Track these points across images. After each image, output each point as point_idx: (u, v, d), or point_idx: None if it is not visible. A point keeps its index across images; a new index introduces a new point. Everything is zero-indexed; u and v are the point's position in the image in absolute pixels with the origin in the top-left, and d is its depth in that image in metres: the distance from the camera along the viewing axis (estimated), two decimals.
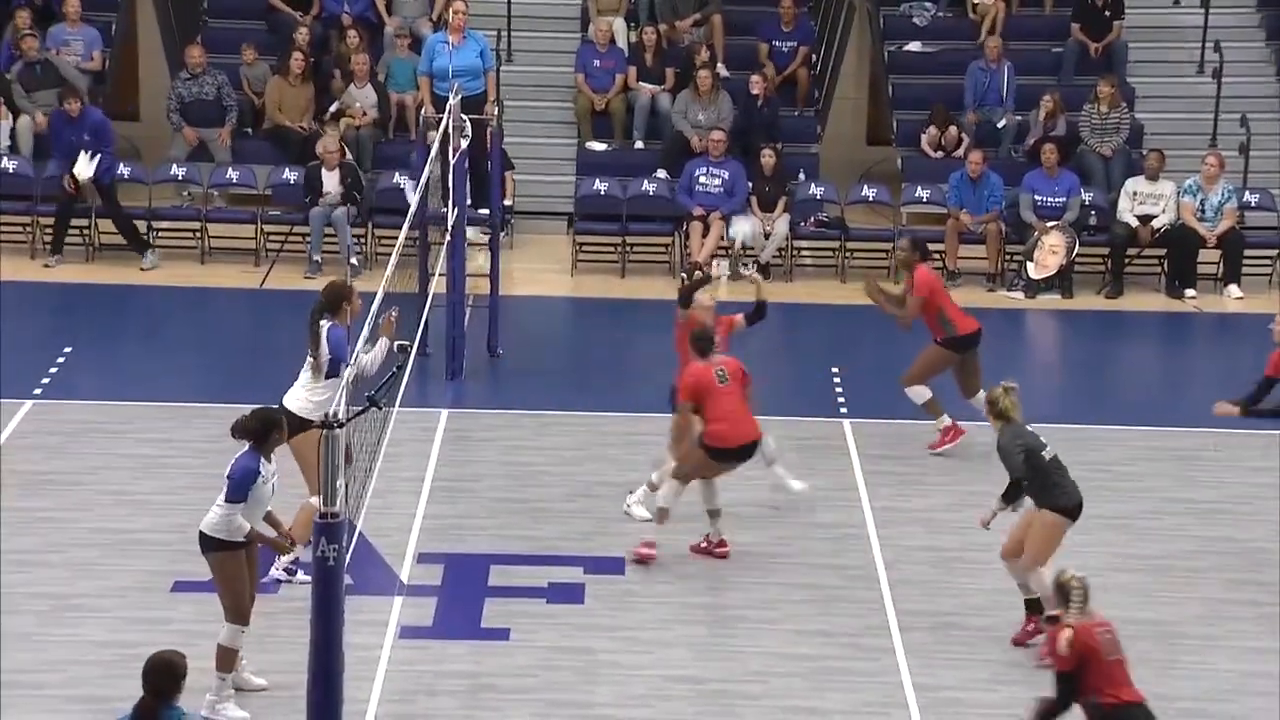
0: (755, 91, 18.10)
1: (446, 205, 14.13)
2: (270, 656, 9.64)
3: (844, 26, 19.40)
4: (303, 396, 10.59)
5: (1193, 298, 17.15)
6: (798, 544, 11.56)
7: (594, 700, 9.66)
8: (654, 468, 11.63)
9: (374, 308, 9.77)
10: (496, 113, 16.21)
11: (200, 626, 9.91)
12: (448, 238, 14.12)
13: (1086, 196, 17.59)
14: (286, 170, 17.59)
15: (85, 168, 16.75)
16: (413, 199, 12.36)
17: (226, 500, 9.16)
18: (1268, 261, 17.67)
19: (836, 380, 14.31)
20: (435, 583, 10.90)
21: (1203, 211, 17.41)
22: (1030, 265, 17.19)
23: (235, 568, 9.20)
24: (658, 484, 11.41)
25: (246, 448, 9.23)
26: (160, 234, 17.38)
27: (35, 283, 16.60)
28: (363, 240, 17.22)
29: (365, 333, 9.64)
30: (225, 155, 17.94)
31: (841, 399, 13.97)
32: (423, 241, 14.55)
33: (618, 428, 13.24)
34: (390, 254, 11.32)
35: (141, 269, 16.82)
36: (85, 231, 17.22)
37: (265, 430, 9.21)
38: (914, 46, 19.45)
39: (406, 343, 10.38)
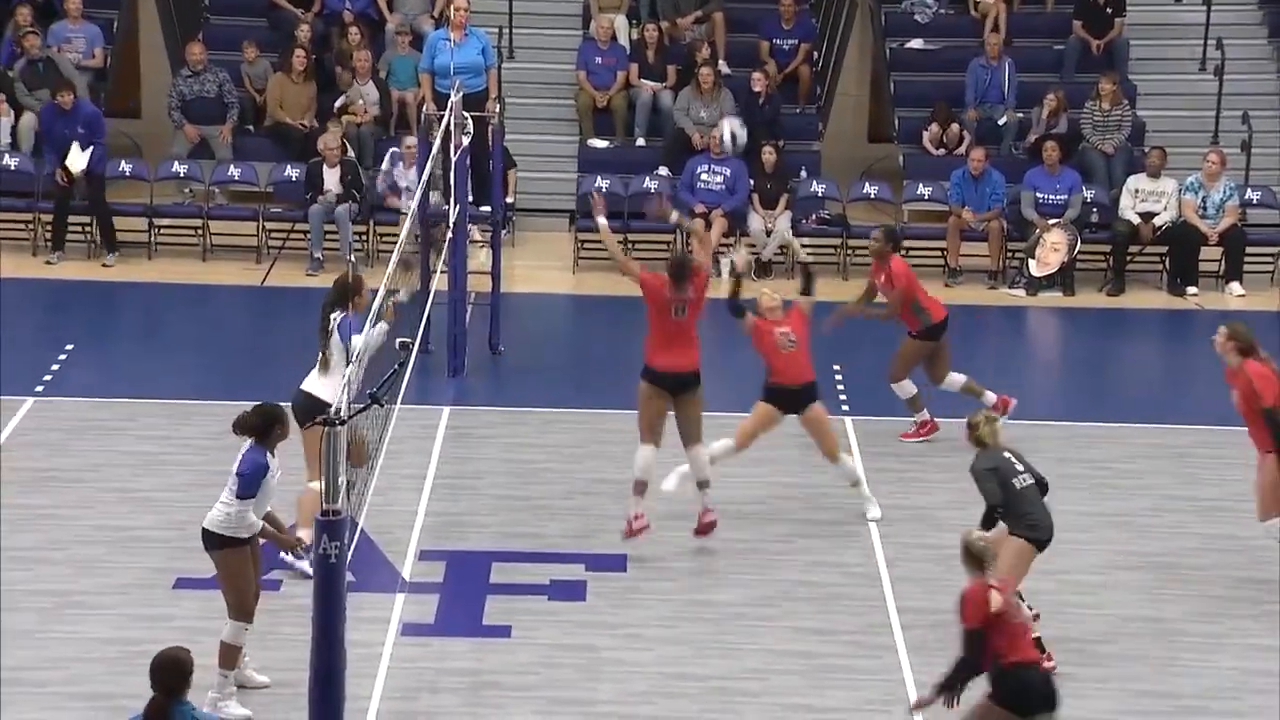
0: (757, 89, 18.10)
1: (448, 202, 14.13)
2: (272, 654, 9.64)
3: (846, 23, 19.40)
4: (326, 378, 10.64)
5: (1194, 295, 17.15)
6: (799, 541, 11.56)
7: (596, 697, 9.67)
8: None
9: (380, 289, 9.89)
10: (498, 110, 16.19)
11: (202, 623, 9.92)
12: (449, 235, 14.12)
13: (1088, 194, 17.59)
14: (288, 167, 17.59)
15: (78, 159, 16.75)
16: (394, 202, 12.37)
17: (238, 496, 9.18)
18: (1269, 259, 17.67)
19: (838, 378, 14.31)
20: (437, 580, 10.90)
21: (1204, 209, 17.41)
22: (1032, 263, 17.19)
23: (240, 564, 9.21)
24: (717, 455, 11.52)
25: (250, 444, 9.23)
26: (162, 231, 17.39)
27: (37, 280, 16.60)
28: (364, 237, 17.22)
29: (371, 315, 9.69)
30: (226, 152, 17.95)
31: (843, 396, 13.97)
32: (424, 239, 14.55)
33: (619, 425, 13.22)
34: (391, 251, 11.33)
35: (104, 265, 16.81)
36: (87, 229, 17.22)
37: (267, 426, 9.25)
38: (916, 44, 19.45)
39: (408, 340, 10.39)
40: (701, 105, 18.03)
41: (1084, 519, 11.93)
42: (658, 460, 11.23)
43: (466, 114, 14.24)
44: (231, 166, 17.76)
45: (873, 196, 18.09)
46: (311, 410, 10.19)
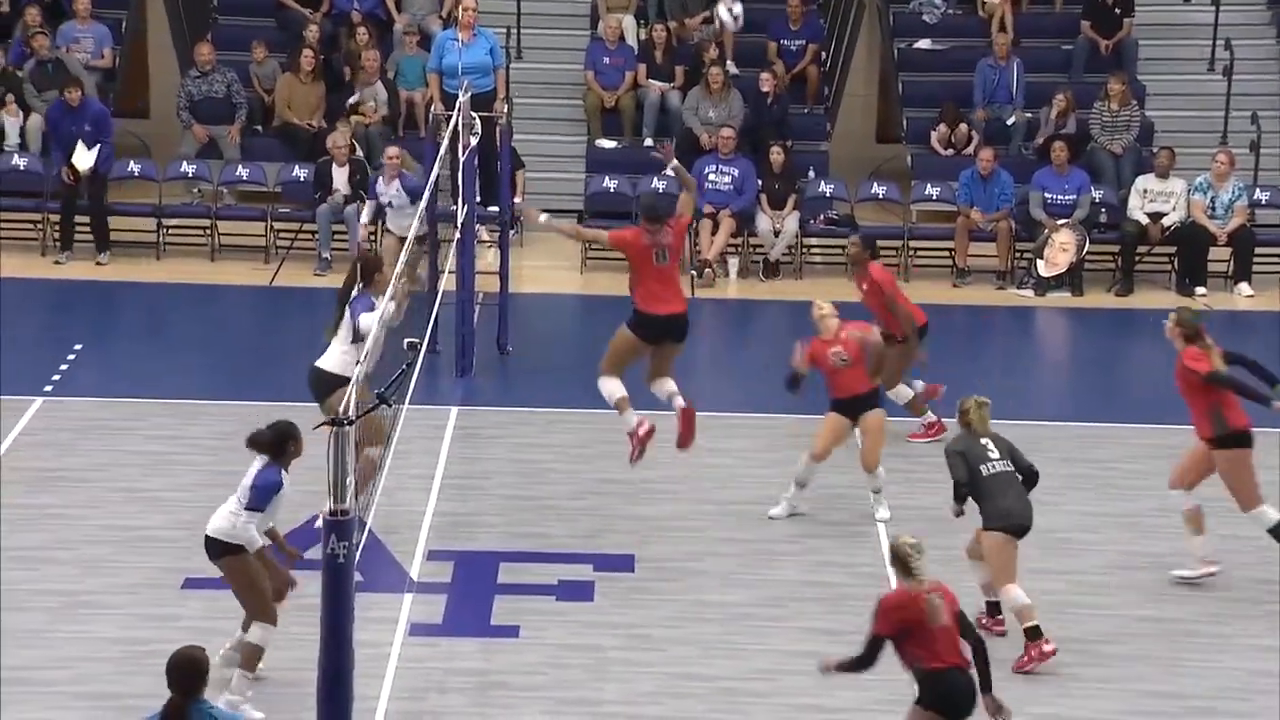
0: (765, 89, 18.10)
1: (456, 202, 14.13)
2: (280, 653, 9.64)
3: (854, 24, 19.39)
4: (337, 353, 10.87)
5: (1203, 295, 17.12)
6: (807, 542, 11.55)
7: (603, 698, 9.66)
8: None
9: (397, 271, 10.18)
10: (506, 110, 16.20)
11: (210, 623, 9.93)
12: (457, 235, 14.12)
13: (1097, 194, 17.58)
14: (296, 168, 17.60)
15: (84, 158, 16.77)
16: (365, 218, 12.40)
17: (247, 508, 9.20)
18: (1278, 259, 17.64)
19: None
20: (445, 580, 10.91)
21: (1213, 209, 17.39)
22: (1040, 263, 17.17)
23: (248, 566, 9.22)
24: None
25: (266, 462, 9.25)
26: (170, 231, 17.41)
27: (46, 279, 16.62)
28: (373, 237, 17.23)
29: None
30: (235, 153, 17.96)
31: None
32: (432, 239, 14.56)
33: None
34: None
35: (97, 263, 16.82)
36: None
37: (281, 442, 9.29)
38: (924, 44, 19.44)
39: (416, 340, 10.39)
40: (710, 105, 18.03)
41: (1091, 519, 11.91)
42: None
43: (474, 114, 14.24)
44: (240, 167, 17.78)
45: (881, 197, 18.08)
46: (321, 384, 10.49)
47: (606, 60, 18.63)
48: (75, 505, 11.68)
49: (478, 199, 14.68)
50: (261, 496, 9.20)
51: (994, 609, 10.42)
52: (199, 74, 18.06)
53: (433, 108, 16.86)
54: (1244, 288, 17.24)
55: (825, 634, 10.41)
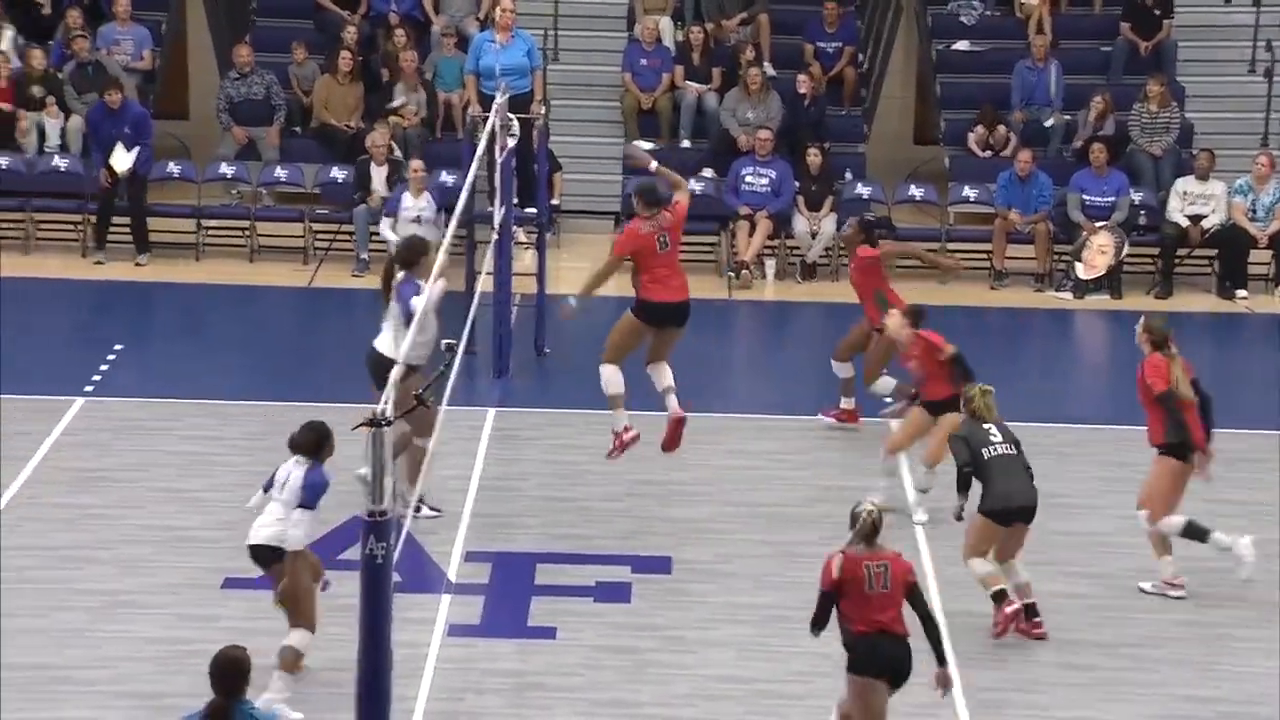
0: (802, 91, 18.08)
1: (493, 204, 14.16)
2: (319, 654, 9.68)
3: (891, 25, 19.36)
4: (391, 336, 11.06)
5: (1244, 298, 17.04)
6: (833, 545, 11.49)
7: (639, 699, 9.68)
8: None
9: (439, 256, 10.40)
10: (543, 112, 16.21)
11: (250, 624, 9.98)
12: (494, 237, 14.15)
13: (1136, 196, 17.51)
14: (334, 169, 17.66)
15: (123, 160, 16.86)
16: (390, 236, 12.58)
17: (300, 506, 9.26)
18: None
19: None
20: (483, 581, 10.93)
21: (1254, 211, 17.30)
22: (1079, 265, 17.12)
23: (303, 570, 9.31)
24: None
25: (311, 463, 9.33)
26: (209, 232, 17.49)
27: (85, 280, 16.72)
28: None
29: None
30: (273, 154, 18.04)
31: (888, 399, 13.92)
32: (470, 240, 14.59)
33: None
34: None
35: (136, 264, 16.90)
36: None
37: (320, 442, 9.39)
38: (961, 45, 19.39)
39: (453, 342, 10.42)
40: (749, 107, 18.03)
41: (1130, 523, 11.84)
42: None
43: (512, 116, 14.27)
44: (278, 168, 17.85)
45: (918, 199, 18.05)
46: (379, 367, 10.65)
47: (644, 62, 18.64)
48: (115, 505, 11.74)
49: (515, 201, 14.70)
50: (315, 495, 9.31)
51: (1031, 611, 10.40)
52: (238, 75, 18.14)
53: (470, 109, 16.90)
54: None
55: None
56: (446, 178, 17.18)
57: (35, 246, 17.32)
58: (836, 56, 18.99)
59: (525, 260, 15.59)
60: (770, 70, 18.59)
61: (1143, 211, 17.55)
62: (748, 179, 17.48)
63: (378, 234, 16.94)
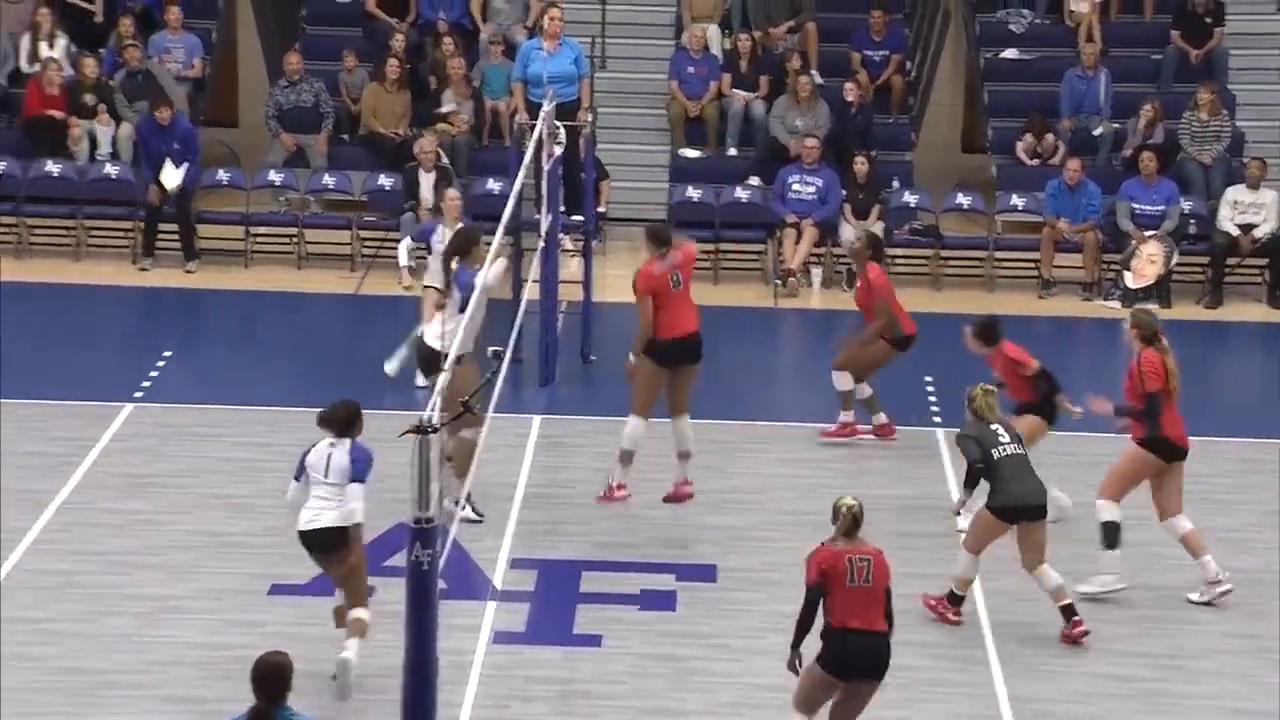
0: (849, 98, 18.05)
1: (540, 212, 14.19)
2: (365, 661, 9.70)
3: (939, 33, 19.30)
4: (436, 328, 11.45)
5: None
6: (889, 554, 11.46)
7: (684, 708, 9.66)
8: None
9: (495, 240, 10.86)
10: (590, 119, 16.23)
11: (295, 629, 10.02)
12: (541, 244, 14.17)
13: (1186, 205, 17.40)
14: (382, 176, 17.73)
15: (172, 177, 17.00)
16: (404, 260, 12.75)
17: (356, 480, 9.47)
18: None
19: (930, 390, 14.23)
20: (528, 588, 10.95)
21: None
22: (1128, 275, 17.02)
23: (360, 549, 9.48)
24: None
25: (348, 441, 9.52)
26: (257, 239, 17.58)
27: (136, 286, 16.83)
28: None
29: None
30: (322, 161, 18.12)
31: (935, 408, 13.88)
32: (516, 248, 14.61)
33: (709, 435, 13.21)
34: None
35: (186, 271, 17.01)
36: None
37: (350, 419, 9.60)
38: (1010, 53, 19.31)
39: (500, 349, 10.45)
40: (798, 114, 18.01)
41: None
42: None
43: (559, 123, 14.28)
44: (326, 175, 17.93)
45: (965, 207, 17.99)
46: (429, 358, 11.06)
47: (691, 70, 18.64)
48: (164, 511, 11.81)
49: (562, 208, 14.72)
50: (366, 468, 9.50)
51: (1070, 611, 10.33)
52: (287, 83, 18.24)
53: (517, 117, 16.93)
54: None
55: (908, 646, 10.35)
56: (493, 185, 17.22)
57: (86, 253, 17.45)
58: (884, 64, 18.95)
59: (571, 268, 15.61)
60: (817, 78, 18.57)
61: (1192, 220, 17.44)
62: (794, 187, 17.45)
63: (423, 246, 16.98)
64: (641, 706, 9.67)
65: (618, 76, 19.17)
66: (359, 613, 9.55)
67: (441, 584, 8.24)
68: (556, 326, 14.48)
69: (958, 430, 10.55)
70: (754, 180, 17.97)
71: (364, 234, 17.54)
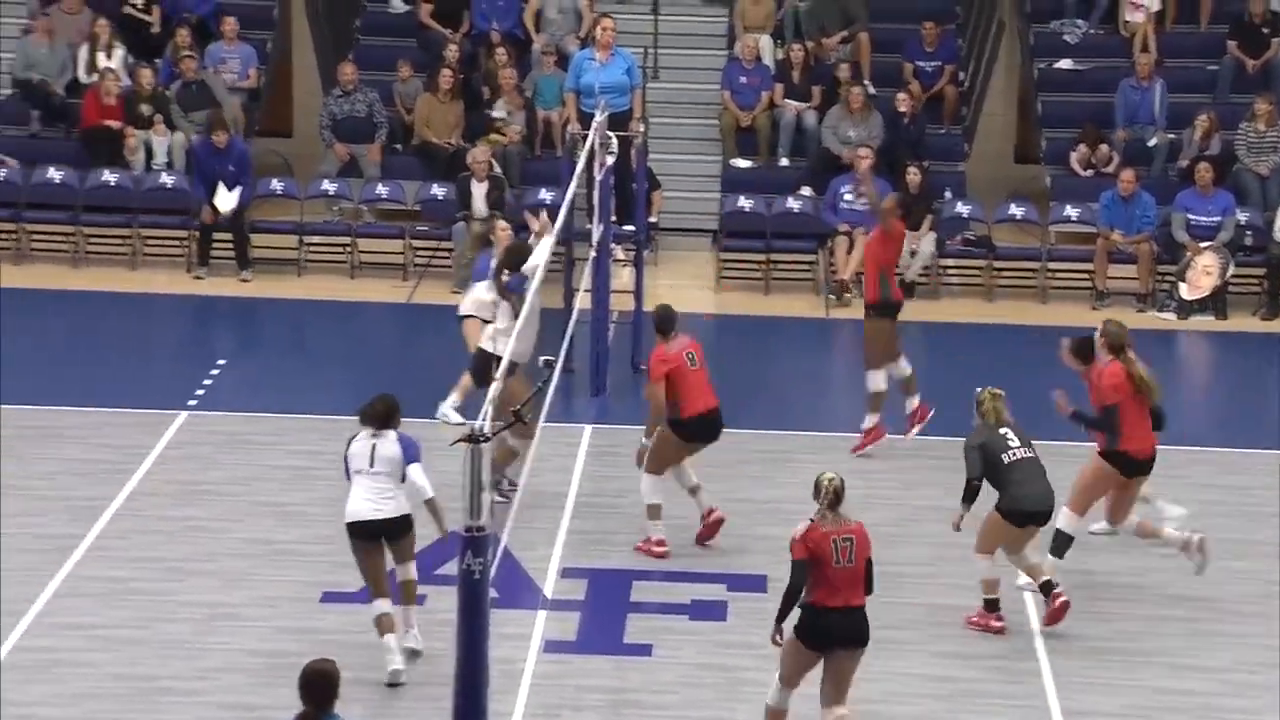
0: (902, 109, 18.02)
1: (591, 222, 14.21)
2: (417, 668, 9.75)
3: (993, 44, 19.24)
4: (490, 330, 12.04)
5: None
6: (941, 565, 11.45)
7: (735, 718, 9.66)
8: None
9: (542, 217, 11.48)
10: (642, 129, 16.25)
11: (348, 637, 10.06)
12: (592, 254, 14.20)
13: (1242, 216, 17.28)
14: (434, 186, 17.80)
15: (227, 200, 17.16)
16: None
17: (414, 461, 9.78)
18: None
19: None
20: (579, 597, 10.96)
21: None
22: (1183, 286, 16.92)
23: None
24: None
25: (390, 433, 9.80)
26: (311, 248, 17.68)
27: (191, 295, 16.95)
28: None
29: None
30: (375, 171, 18.21)
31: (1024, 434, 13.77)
32: (568, 257, 14.65)
33: (760, 445, 13.22)
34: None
35: (241, 280, 17.12)
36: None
37: (390, 413, 9.87)
38: (1064, 64, 19.23)
39: (551, 358, 10.48)
40: (850, 125, 17.98)
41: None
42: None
43: (611, 133, 14.31)
44: (379, 185, 18.02)
45: (1018, 218, 17.92)
46: (485, 364, 11.59)
47: (743, 80, 18.64)
48: (218, 518, 11.88)
49: (613, 218, 14.74)
50: (417, 450, 9.84)
51: (1049, 586, 10.43)
52: (341, 93, 18.34)
53: (569, 127, 16.98)
54: None
55: (958, 658, 10.32)
56: (545, 195, 17.27)
57: (142, 262, 17.59)
58: (936, 75, 18.90)
59: (623, 277, 15.63)
60: (870, 89, 18.53)
61: (1249, 232, 17.31)
62: (847, 197, 17.42)
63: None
64: (692, 717, 9.66)
65: (670, 87, 19.18)
66: (409, 573, 9.85)
67: (493, 592, 8.26)
68: (608, 336, 14.50)
69: (968, 437, 10.53)
70: (806, 190, 17.95)
71: (416, 243, 17.61)
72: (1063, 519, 10.90)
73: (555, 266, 13.85)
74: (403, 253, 17.54)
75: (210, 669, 9.96)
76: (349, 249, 17.61)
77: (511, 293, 11.83)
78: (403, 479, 9.81)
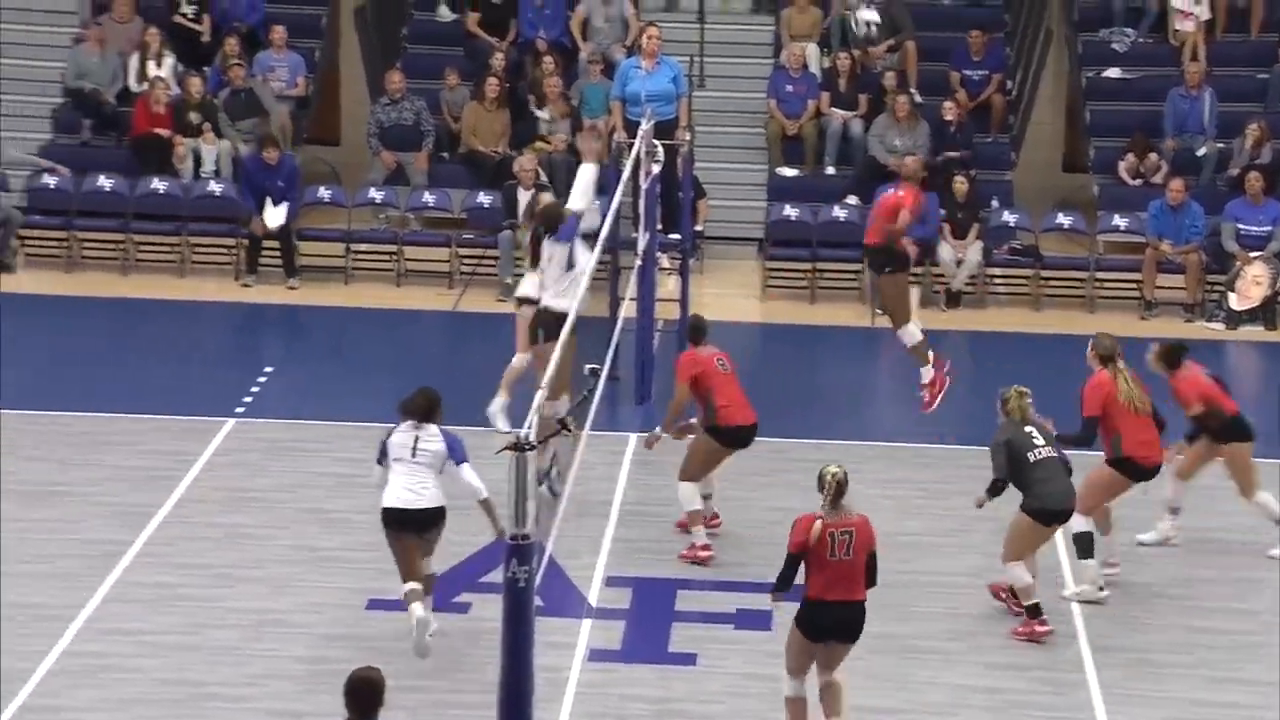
0: (948, 117, 17.96)
1: (637, 230, 14.22)
2: (462, 676, 9.77)
3: (1041, 52, 19.16)
4: (554, 288, 12.17)
5: None
6: (989, 575, 11.39)
7: None
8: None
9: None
10: (688, 138, 16.25)
11: (394, 644, 10.08)
12: (638, 262, 14.20)
13: None
14: (481, 194, 17.85)
15: (275, 216, 17.26)
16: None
17: (462, 462, 9.99)
18: None
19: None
20: (623, 606, 10.96)
21: None
22: (1232, 296, 16.81)
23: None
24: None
25: (434, 428, 10.01)
26: (357, 256, 17.75)
27: (238, 303, 17.04)
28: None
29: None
30: (422, 179, 18.27)
31: (1055, 432, 13.71)
32: (613, 266, 14.66)
33: (806, 454, 13.17)
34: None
35: (289, 288, 17.21)
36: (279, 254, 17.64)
37: (432, 407, 10.08)
38: (1113, 73, 19.14)
39: (597, 366, 10.49)
40: (897, 133, 17.94)
41: None
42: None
43: (657, 142, 14.31)
44: (426, 193, 18.08)
45: (1066, 227, 17.84)
46: (549, 323, 11.76)
47: (789, 88, 18.62)
48: (265, 525, 11.94)
49: (659, 226, 14.75)
50: (463, 449, 10.07)
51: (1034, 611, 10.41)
52: (389, 101, 18.41)
53: (615, 135, 16.99)
54: None
55: (1005, 669, 10.27)
56: (580, 250, 17.21)
57: (190, 269, 17.69)
58: (983, 84, 18.84)
59: (668, 286, 15.63)
60: (917, 97, 18.49)
61: None
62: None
63: (522, 256, 17.07)
64: None
65: (716, 95, 19.17)
66: (432, 565, 10.04)
67: (538, 601, 8.27)
68: (653, 345, 14.49)
69: (994, 435, 10.64)
70: (852, 199, 17.91)
71: (463, 251, 17.66)
72: (1075, 522, 10.95)
73: (601, 275, 13.86)
74: (449, 260, 17.59)
75: (257, 675, 10.00)
76: (395, 257, 17.67)
77: (560, 243, 12.04)
78: (440, 472, 9.99)
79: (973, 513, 12.17)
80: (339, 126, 20.24)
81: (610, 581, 11.24)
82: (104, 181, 17.80)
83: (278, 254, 17.49)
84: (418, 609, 9.84)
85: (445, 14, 19.84)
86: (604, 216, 13.23)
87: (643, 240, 14.11)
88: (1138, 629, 10.70)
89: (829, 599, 8.96)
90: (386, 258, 17.74)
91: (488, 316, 16.57)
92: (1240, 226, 17.07)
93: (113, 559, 11.30)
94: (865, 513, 12.24)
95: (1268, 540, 11.78)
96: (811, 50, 18.97)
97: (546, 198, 13.76)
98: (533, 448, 8.01)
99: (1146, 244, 17.24)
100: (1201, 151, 18.13)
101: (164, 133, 18.04)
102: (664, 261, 16.21)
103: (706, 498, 11.81)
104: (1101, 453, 11.23)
